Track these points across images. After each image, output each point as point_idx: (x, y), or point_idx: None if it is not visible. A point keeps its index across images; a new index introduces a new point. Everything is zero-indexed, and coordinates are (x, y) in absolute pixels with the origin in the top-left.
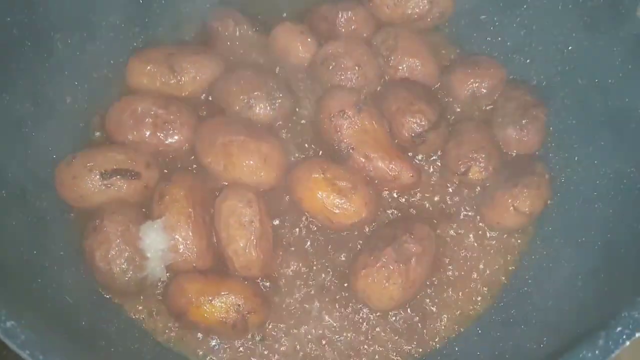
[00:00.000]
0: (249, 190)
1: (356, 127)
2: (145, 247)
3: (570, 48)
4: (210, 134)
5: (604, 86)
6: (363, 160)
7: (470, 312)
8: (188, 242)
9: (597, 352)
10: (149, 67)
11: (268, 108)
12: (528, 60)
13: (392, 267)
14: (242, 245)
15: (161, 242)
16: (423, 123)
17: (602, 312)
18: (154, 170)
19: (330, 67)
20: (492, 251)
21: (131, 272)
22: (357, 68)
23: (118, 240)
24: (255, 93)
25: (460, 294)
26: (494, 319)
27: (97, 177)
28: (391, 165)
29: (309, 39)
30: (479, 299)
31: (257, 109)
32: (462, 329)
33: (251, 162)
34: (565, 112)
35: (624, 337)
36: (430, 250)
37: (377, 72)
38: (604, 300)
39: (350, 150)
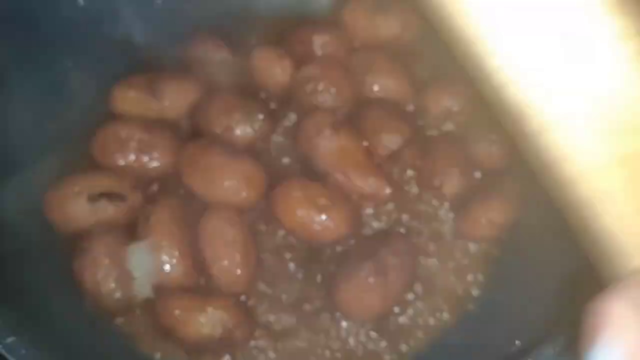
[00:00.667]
0: (232, 209)
1: (334, 146)
2: (133, 268)
3: None
4: (192, 156)
5: None
6: (342, 178)
7: (441, 321)
8: (174, 261)
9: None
10: (131, 94)
11: (248, 129)
12: None
13: (371, 280)
14: (226, 263)
15: (148, 263)
16: (398, 140)
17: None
18: (138, 193)
19: (308, 90)
20: (465, 262)
21: (119, 292)
22: (333, 89)
23: (106, 262)
24: (236, 115)
25: (433, 304)
26: (465, 327)
27: (85, 201)
28: (369, 182)
29: (287, 63)
30: (448, 309)
31: (238, 131)
32: (434, 338)
33: (233, 182)
34: None
35: None
36: (408, 263)
37: (353, 92)
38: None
39: (329, 169)
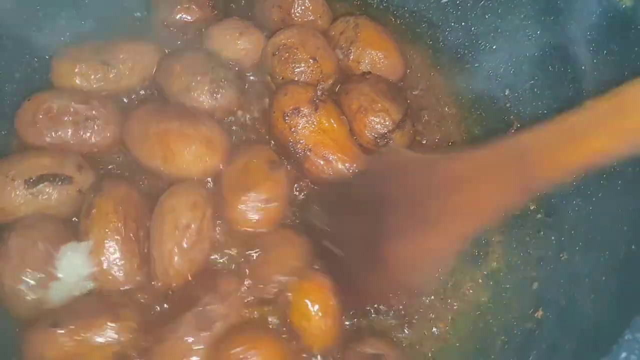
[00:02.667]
0: (198, 190)
1: (313, 126)
2: (62, 269)
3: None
4: (140, 124)
5: None
6: (321, 162)
7: None
8: (116, 261)
9: None
10: (77, 68)
11: (208, 96)
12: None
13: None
14: (168, 248)
15: (82, 268)
16: (387, 123)
17: (601, 334)
18: (87, 173)
19: (283, 59)
20: None
21: (31, 295)
22: (311, 61)
23: (18, 258)
24: (198, 77)
25: None
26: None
27: (22, 186)
28: (352, 169)
29: (256, 35)
30: None
31: (196, 93)
32: None
33: (192, 148)
34: None
35: None
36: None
37: (335, 65)
38: (602, 319)
39: (307, 152)
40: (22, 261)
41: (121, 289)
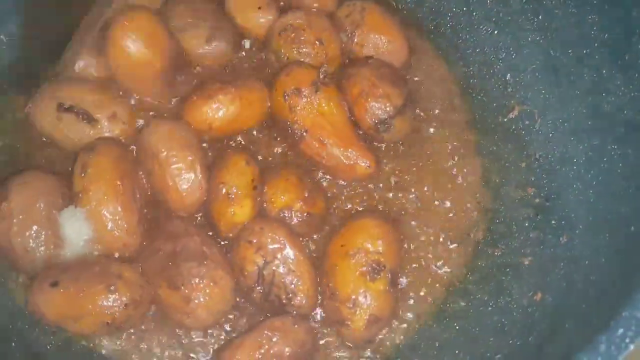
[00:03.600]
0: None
1: (312, 108)
2: (65, 235)
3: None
4: None
5: None
6: (316, 145)
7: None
8: (117, 218)
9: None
10: None
11: (203, 40)
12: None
13: None
14: (189, 160)
15: (82, 231)
16: (388, 109)
17: (600, 313)
18: (114, 124)
19: (289, 39)
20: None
21: (40, 252)
22: (317, 43)
23: (23, 215)
24: (201, 22)
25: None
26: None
27: (54, 107)
28: (347, 153)
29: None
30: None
31: (189, 35)
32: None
33: None
34: None
35: (627, 340)
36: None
37: (339, 48)
38: (602, 299)
39: (304, 133)
40: (27, 218)
41: (123, 247)
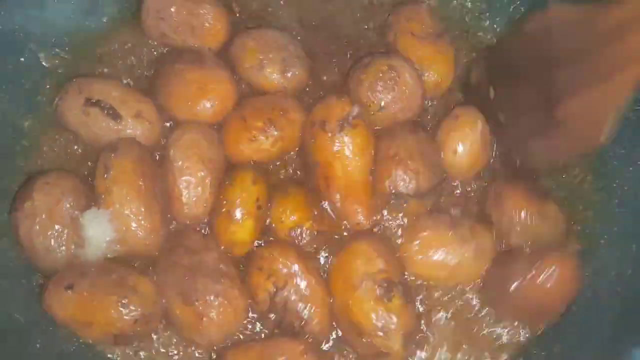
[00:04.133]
0: (211, 129)
1: (329, 144)
2: (86, 237)
3: None
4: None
5: None
6: (321, 181)
7: None
8: (140, 218)
9: None
10: None
11: (278, 74)
12: None
13: None
14: (200, 175)
15: (105, 234)
16: (411, 185)
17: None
18: (138, 123)
19: (379, 79)
20: None
21: (62, 251)
22: (404, 88)
23: (46, 215)
24: (270, 55)
25: None
26: None
27: (82, 100)
28: (346, 202)
29: None
30: None
31: (268, 71)
32: None
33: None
34: None
35: None
36: None
37: (419, 103)
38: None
39: (316, 166)
40: (50, 218)
41: (145, 247)
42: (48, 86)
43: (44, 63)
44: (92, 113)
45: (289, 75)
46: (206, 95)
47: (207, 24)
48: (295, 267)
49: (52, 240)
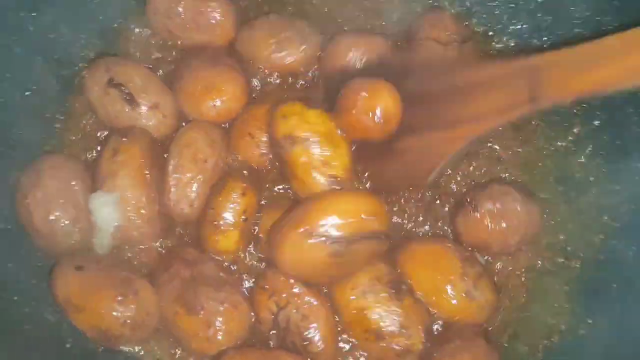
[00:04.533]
0: (215, 129)
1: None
2: (96, 222)
3: None
4: None
5: None
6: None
7: None
8: (140, 206)
9: None
10: None
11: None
12: None
13: None
14: (188, 176)
15: (112, 218)
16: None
17: None
18: (154, 114)
19: None
20: None
21: (75, 235)
22: None
23: (57, 196)
24: (282, 35)
25: None
26: None
27: (106, 80)
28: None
29: None
30: None
31: (287, 50)
32: None
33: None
34: None
35: None
36: None
37: None
38: None
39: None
40: (61, 199)
41: (141, 236)
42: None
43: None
44: (112, 94)
45: (309, 44)
46: (212, 95)
47: (213, 21)
48: (297, 286)
49: (67, 223)
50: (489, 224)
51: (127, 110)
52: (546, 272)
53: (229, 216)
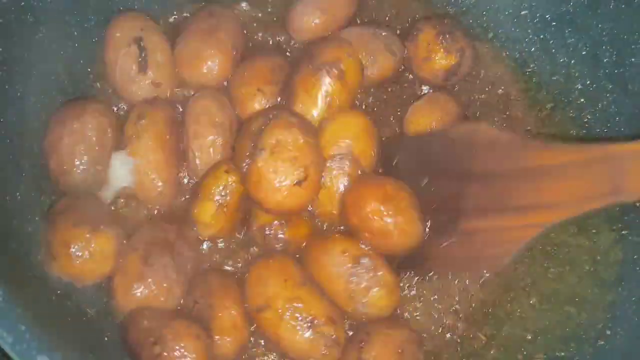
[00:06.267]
0: (223, 95)
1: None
2: (110, 177)
3: None
4: None
5: None
6: None
7: None
8: (160, 167)
9: None
10: None
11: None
12: None
13: None
14: (209, 140)
15: (125, 180)
16: None
17: None
18: (152, 90)
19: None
20: None
21: (90, 180)
22: None
23: (92, 138)
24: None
25: None
26: None
27: (134, 36)
28: None
29: None
30: None
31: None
32: None
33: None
34: None
35: None
36: None
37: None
38: None
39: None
40: (93, 144)
41: (159, 196)
42: None
43: None
44: (130, 50)
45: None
46: (205, 60)
47: None
48: None
49: (89, 164)
50: None
51: (132, 70)
52: None
53: (208, 187)
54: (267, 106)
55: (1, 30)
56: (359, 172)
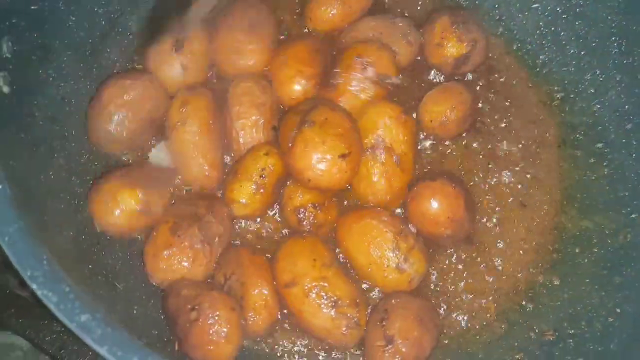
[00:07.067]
0: (263, 78)
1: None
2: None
3: None
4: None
5: None
6: None
7: None
8: (205, 151)
9: None
10: None
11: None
12: None
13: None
14: (252, 119)
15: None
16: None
17: None
18: (179, 73)
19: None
20: None
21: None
22: None
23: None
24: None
25: None
26: None
27: (173, 44)
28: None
29: None
30: None
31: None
32: None
33: None
34: None
35: None
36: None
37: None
38: None
39: None
40: (138, 110)
41: (205, 178)
42: None
43: None
44: (167, 44)
45: None
46: (245, 56)
47: None
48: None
49: (131, 137)
50: None
51: (171, 48)
52: None
53: (247, 168)
54: (307, 87)
55: (36, 17)
56: (395, 159)
